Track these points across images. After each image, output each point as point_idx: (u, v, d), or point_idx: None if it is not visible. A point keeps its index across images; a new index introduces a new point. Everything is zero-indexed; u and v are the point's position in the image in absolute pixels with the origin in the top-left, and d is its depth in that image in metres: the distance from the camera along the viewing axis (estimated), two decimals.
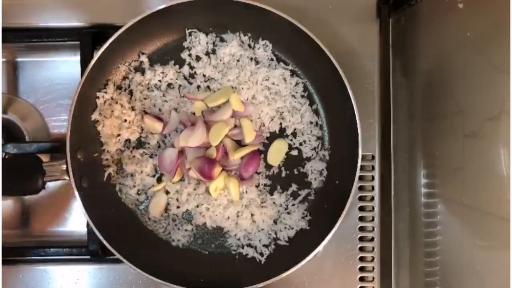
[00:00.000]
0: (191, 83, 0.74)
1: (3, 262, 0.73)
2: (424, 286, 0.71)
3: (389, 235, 0.77)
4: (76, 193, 0.64)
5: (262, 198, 0.74)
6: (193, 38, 0.74)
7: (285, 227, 0.73)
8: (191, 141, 0.70)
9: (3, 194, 0.62)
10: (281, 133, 0.74)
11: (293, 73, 0.74)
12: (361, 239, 0.76)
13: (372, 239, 0.76)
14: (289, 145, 0.74)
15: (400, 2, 0.75)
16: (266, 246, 0.73)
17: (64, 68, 0.79)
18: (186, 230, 0.74)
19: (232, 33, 0.74)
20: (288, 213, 0.74)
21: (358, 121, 0.66)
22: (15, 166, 0.64)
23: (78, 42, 0.74)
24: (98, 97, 0.71)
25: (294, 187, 0.74)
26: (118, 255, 0.65)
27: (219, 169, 0.70)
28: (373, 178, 0.76)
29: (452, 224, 0.64)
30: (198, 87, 0.74)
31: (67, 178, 0.65)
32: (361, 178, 0.75)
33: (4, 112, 0.77)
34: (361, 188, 0.76)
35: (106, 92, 0.71)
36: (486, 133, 0.55)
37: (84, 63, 0.73)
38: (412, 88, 0.75)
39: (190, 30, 0.73)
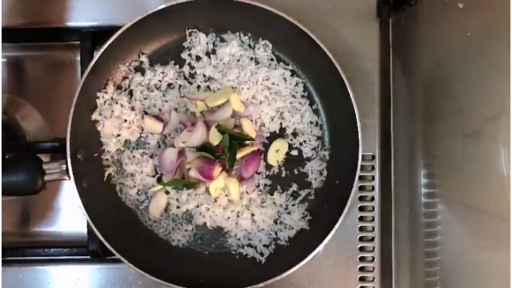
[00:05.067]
0: (191, 83, 0.74)
1: (3, 262, 0.73)
2: (424, 286, 0.71)
3: (389, 235, 0.77)
4: (76, 193, 0.64)
5: (262, 198, 0.74)
6: (193, 38, 0.74)
7: (285, 227, 0.73)
8: (191, 141, 0.70)
9: (3, 194, 0.62)
10: (281, 133, 0.74)
11: (293, 73, 0.74)
12: (361, 239, 0.76)
13: (372, 239, 0.76)
14: (289, 145, 0.74)
15: (400, 2, 0.75)
16: (266, 246, 0.73)
17: (64, 68, 0.79)
18: (186, 230, 0.74)
19: (232, 33, 0.74)
20: (288, 213, 0.74)
21: (358, 121, 0.66)
22: (15, 166, 0.64)
23: (78, 42, 0.74)
24: (98, 97, 0.71)
25: (294, 187, 0.74)
26: (118, 255, 0.65)
27: (219, 169, 0.69)
28: (373, 178, 0.76)
29: (452, 224, 0.64)
30: (198, 87, 0.74)
31: (67, 178, 0.65)
32: (361, 178, 0.75)
33: (4, 112, 0.77)
34: (361, 188, 0.76)
35: (106, 92, 0.71)
36: (486, 133, 0.55)
37: (84, 63, 0.73)
38: (412, 88, 0.75)
39: (190, 30, 0.73)
